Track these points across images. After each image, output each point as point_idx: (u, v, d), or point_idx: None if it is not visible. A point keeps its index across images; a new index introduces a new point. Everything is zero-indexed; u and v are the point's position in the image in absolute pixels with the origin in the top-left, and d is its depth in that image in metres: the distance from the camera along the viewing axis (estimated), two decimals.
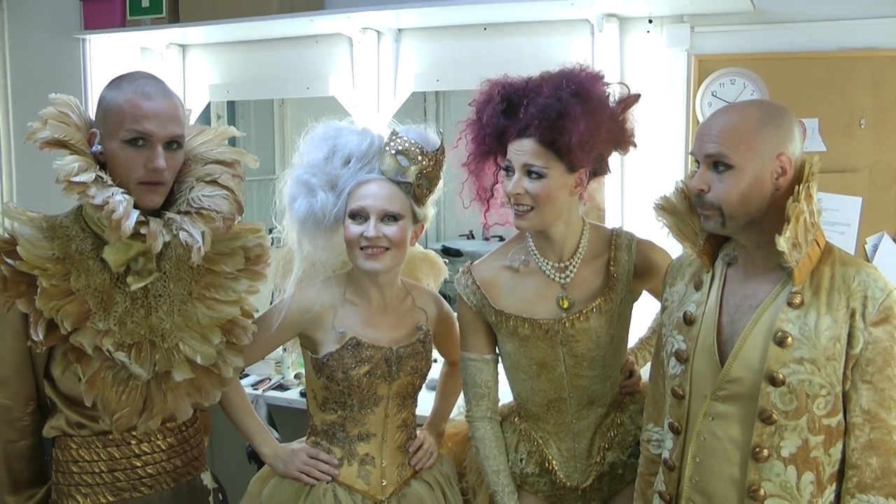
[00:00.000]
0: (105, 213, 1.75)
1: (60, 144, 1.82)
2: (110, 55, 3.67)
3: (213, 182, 1.95)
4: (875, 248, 2.67)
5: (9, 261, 1.80)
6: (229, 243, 2.02)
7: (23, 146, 3.86)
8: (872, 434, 1.68)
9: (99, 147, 1.85)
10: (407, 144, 2.14)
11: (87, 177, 1.76)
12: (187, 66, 3.66)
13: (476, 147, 2.16)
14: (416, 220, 2.18)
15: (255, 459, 2.56)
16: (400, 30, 3.26)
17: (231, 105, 3.91)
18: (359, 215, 2.13)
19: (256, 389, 3.27)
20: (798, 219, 1.65)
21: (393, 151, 2.14)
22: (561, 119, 1.96)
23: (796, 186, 1.67)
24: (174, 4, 3.41)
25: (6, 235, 1.84)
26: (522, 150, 2.02)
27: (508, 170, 2.07)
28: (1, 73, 3.86)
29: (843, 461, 1.73)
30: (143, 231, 1.80)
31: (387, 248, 2.12)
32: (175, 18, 3.41)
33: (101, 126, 1.86)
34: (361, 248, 2.12)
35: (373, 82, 3.29)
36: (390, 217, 2.12)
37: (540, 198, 2.03)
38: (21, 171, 3.88)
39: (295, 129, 3.80)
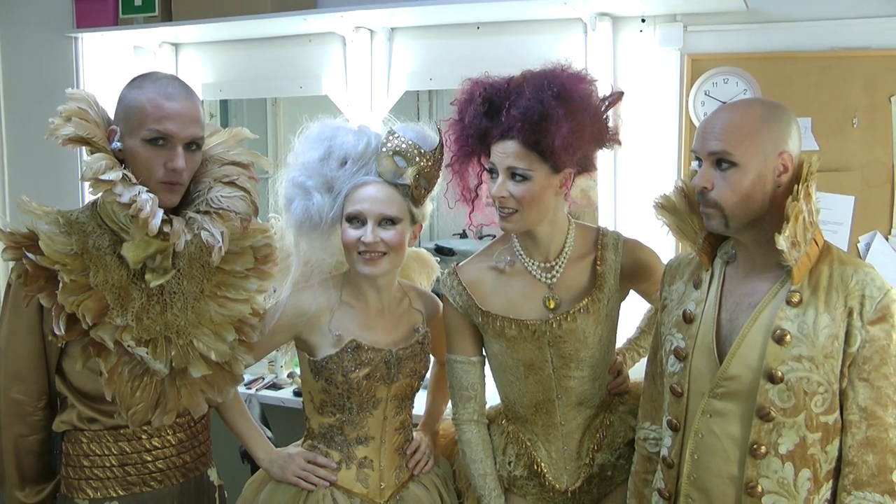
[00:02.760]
0: (132, 211, 1.76)
1: (83, 142, 1.83)
2: (103, 54, 3.65)
3: (231, 183, 1.97)
4: (868, 246, 2.68)
5: (30, 255, 1.81)
6: (239, 242, 2.02)
7: (15, 144, 3.84)
8: (869, 431, 1.70)
9: (118, 144, 1.86)
10: (404, 145, 2.11)
11: (115, 175, 1.78)
12: (180, 65, 3.63)
13: (459, 148, 2.14)
14: (414, 220, 2.16)
15: (249, 459, 2.55)
16: (393, 28, 3.25)
17: (224, 104, 3.89)
18: (356, 219, 2.10)
19: (249, 389, 3.26)
20: (797, 218, 1.66)
21: (390, 152, 2.11)
22: (543, 121, 1.95)
23: (795, 185, 1.69)
24: (167, 3, 3.39)
25: (25, 230, 1.85)
26: (506, 152, 2.01)
27: (492, 172, 2.05)
28: None
29: (839, 458, 1.74)
30: (166, 230, 1.81)
31: (385, 253, 2.09)
32: (168, 17, 3.39)
33: (122, 124, 1.87)
34: (359, 253, 2.09)
35: (366, 81, 3.28)
36: (388, 221, 2.09)
37: (524, 200, 2.02)
38: (13, 169, 3.85)
39: (288, 127, 3.79)
